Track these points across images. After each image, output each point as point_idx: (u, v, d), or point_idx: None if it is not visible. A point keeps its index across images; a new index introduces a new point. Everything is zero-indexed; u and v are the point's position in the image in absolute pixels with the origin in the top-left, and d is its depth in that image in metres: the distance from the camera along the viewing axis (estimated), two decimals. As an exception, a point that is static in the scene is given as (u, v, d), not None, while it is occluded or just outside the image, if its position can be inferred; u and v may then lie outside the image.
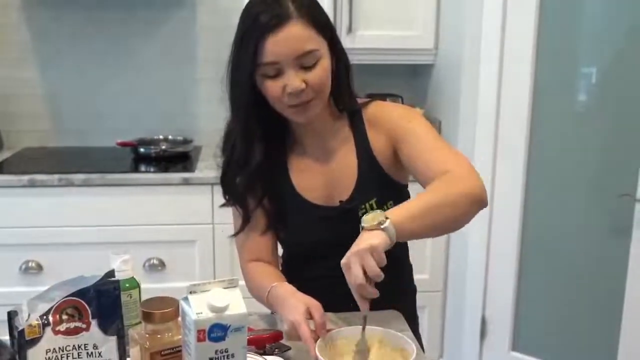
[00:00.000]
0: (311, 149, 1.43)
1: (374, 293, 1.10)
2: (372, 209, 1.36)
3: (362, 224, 1.12)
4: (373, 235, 1.09)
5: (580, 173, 2.36)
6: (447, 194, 1.18)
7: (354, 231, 1.37)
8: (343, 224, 1.38)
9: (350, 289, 1.11)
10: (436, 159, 1.27)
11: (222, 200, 1.45)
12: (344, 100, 1.39)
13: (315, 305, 1.20)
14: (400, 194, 1.43)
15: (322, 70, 1.28)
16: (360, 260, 1.08)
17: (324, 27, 1.30)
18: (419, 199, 1.19)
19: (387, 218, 1.11)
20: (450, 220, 1.20)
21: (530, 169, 2.44)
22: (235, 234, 1.46)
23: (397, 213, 1.13)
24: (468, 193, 1.19)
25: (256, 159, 1.36)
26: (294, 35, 1.24)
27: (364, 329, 1.15)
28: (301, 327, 1.15)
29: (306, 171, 1.42)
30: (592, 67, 2.33)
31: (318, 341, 1.13)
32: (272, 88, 1.28)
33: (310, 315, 1.18)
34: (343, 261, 1.11)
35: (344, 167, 1.40)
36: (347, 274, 1.10)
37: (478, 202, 1.20)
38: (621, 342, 2.27)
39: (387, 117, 1.38)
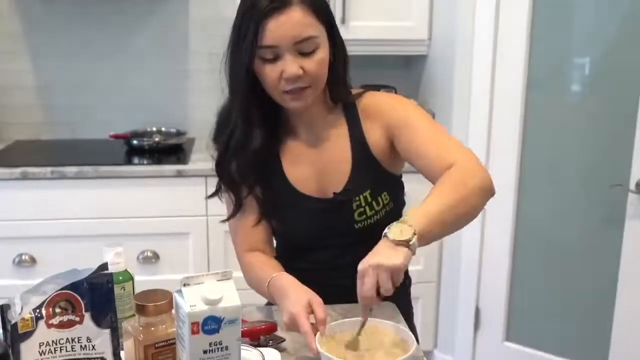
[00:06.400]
0: (305, 141, 1.42)
1: (378, 303, 1.11)
2: (365, 200, 1.36)
3: (388, 235, 1.11)
4: (398, 253, 1.08)
5: (573, 163, 2.37)
6: (460, 192, 1.18)
7: (348, 223, 1.37)
8: (336, 215, 1.38)
9: (358, 296, 1.11)
10: (437, 151, 1.28)
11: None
12: (338, 92, 1.38)
13: (317, 300, 1.20)
14: (394, 185, 1.42)
15: (320, 58, 1.28)
16: (378, 276, 1.07)
17: (325, 15, 1.29)
18: (435, 200, 1.17)
19: (414, 234, 1.09)
20: (465, 217, 1.21)
21: (523, 159, 2.45)
22: (227, 219, 1.45)
23: (421, 222, 1.12)
24: (480, 187, 1.21)
25: (255, 143, 1.35)
26: (295, 20, 1.24)
27: (359, 334, 1.15)
28: (301, 320, 1.15)
29: (299, 163, 1.42)
30: (585, 58, 2.34)
31: (317, 335, 1.12)
32: (269, 72, 1.27)
33: (311, 309, 1.18)
34: (360, 268, 1.10)
35: (338, 158, 1.39)
36: (359, 282, 1.10)
37: (489, 193, 1.24)
38: (614, 332, 2.28)
39: (382, 108, 1.38)
